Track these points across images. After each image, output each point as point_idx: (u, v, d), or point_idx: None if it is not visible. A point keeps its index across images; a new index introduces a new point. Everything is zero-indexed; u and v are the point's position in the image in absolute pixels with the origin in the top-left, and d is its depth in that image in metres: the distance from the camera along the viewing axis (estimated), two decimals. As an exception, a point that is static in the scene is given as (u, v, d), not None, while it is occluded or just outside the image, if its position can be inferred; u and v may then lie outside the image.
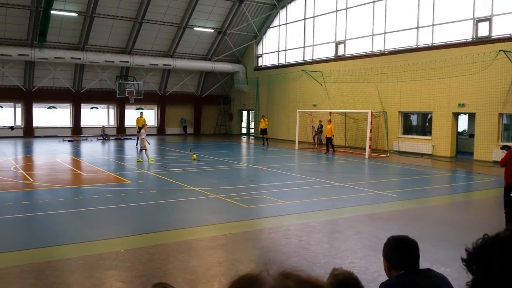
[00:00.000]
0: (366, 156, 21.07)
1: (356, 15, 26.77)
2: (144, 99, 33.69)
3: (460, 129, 23.30)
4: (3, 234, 8.23)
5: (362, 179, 15.74)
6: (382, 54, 24.90)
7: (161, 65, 33.36)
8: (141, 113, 27.20)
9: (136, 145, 24.73)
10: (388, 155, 22.18)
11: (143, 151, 18.73)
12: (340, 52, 27.92)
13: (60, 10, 27.32)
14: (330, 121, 23.72)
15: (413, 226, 8.88)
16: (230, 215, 9.85)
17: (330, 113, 25.16)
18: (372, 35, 25.67)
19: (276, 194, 11.87)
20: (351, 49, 27.15)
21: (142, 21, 30.29)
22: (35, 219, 9.36)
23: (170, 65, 33.58)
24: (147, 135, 19.30)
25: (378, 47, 25.39)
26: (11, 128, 30.50)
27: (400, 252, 2.69)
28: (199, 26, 32.64)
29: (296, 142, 25.70)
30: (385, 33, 24.96)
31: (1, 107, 31.08)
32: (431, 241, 7.72)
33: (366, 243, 7.78)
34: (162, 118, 36.38)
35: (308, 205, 10.92)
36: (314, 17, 29.93)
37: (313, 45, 30.21)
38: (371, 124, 22.07)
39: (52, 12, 25.87)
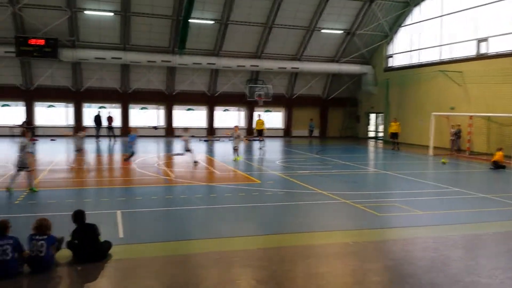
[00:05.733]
0: (513, 165, 18.83)
1: (500, 9, 24.12)
2: (271, 102, 34.55)
3: None
4: (150, 225, 9.03)
5: (509, 191, 14.11)
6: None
7: (289, 68, 33.88)
8: (259, 115, 29.77)
9: (260, 148, 25.77)
10: (540, 164, 19.54)
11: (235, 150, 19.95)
12: (483, 50, 25.43)
13: (198, 18, 29.31)
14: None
15: None
16: (360, 222, 9.55)
17: (471, 116, 23.04)
18: (523, 29, 22.90)
19: (410, 203, 11.20)
20: (496, 46, 24.55)
21: (272, 26, 31.10)
22: (176, 213, 10.12)
23: (298, 68, 33.94)
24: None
25: (529, 43, 22.58)
26: (155, 127, 33.65)
27: None
28: (327, 28, 32.44)
29: (431, 147, 24.02)
30: (539, 27, 22.10)
31: (146, 108, 34.68)
32: None
33: (518, 264, 6.93)
34: (289, 120, 36.96)
35: (447, 216, 10.11)
36: (452, 13, 27.74)
37: (450, 43, 28.02)
38: (519, 129, 19.69)
39: (190, 20, 27.92)
